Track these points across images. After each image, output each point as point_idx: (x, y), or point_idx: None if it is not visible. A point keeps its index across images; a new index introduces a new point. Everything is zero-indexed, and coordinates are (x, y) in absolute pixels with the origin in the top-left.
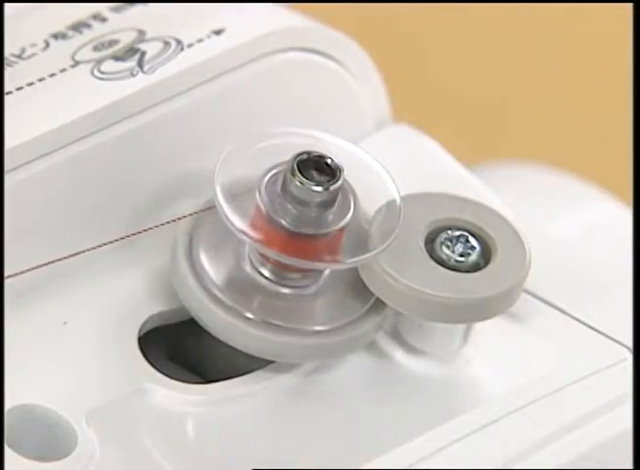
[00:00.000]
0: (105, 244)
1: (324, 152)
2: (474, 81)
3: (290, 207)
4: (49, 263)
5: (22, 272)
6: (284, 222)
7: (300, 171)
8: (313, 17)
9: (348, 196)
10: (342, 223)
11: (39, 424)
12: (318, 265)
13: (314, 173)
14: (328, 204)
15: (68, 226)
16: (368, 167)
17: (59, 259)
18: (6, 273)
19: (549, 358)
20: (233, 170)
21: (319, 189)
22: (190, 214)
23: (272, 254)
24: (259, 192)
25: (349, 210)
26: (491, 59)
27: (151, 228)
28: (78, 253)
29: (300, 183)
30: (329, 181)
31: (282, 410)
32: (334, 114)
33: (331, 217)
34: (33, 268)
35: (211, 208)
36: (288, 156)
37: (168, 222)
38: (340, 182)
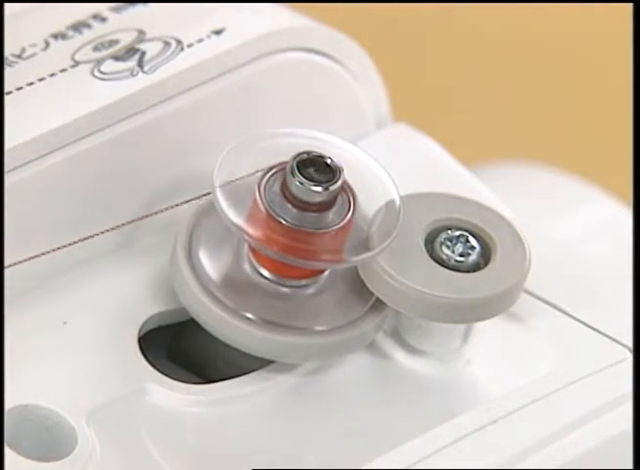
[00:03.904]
0: (107, 230)
1: (324, 152)
2: (473, 81)
3: (289, 206)
4: (47, 252)
5: (20, 262)
6: (284, 222)
7: (300, 171)
8: (313, 17)
9: (348, 196)
10: (341, 223)
11: (39, 424)
12: (318, 265)
13: (314, 173)
14: (328, 204)
15: (67, 226)
16: (368, 167)
17: (57, 249)
18: (6, 273)
19: (549, 358)
20: (232, 170)
21: (319, 189)
22: (188, 200)
23: (272, 253)
24: (259, 192)
25: (349, 209)
26: (491, 59)
27: (148, 215)
28: (78, 240)
29: (300, 183)
30: (329, 181)
31: (282, 410)
32: (334, 114)
33: (330, 217)
34: (32, 258)
35: (208, 194)
36: (288, 156)
37: (167, 208)
38: (339, 182)
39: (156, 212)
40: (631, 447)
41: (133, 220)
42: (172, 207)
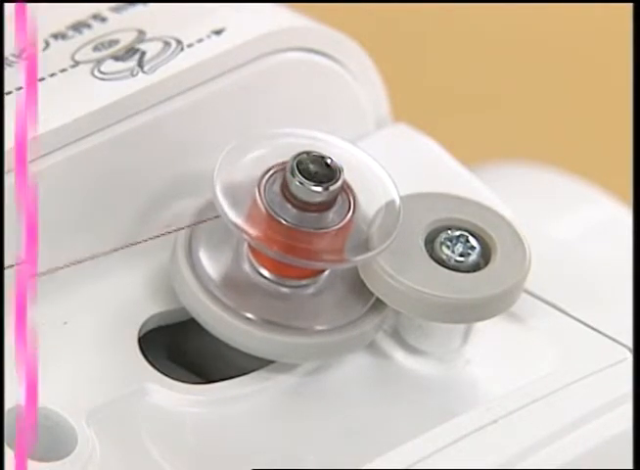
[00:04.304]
0: (107, 252)
1: (324, 152)
2: (474, 81)
3: (289, 206)
4: (51, 271)
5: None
6: (283, 222)
7: (300, 171)
8: (313, 17)
9: (348, 196)
10: (341, 223)
11: (39, 424)
12: (318, 265)
13: (314, 173)
14: (328, 204)
15: (67, 226)
16: (368, 167)
17: (60, 268)
18: (6, 273)
19: (549, 358)
20: (233, 170)
21: (319, 189)
22: (192, 224)
23: (272, 253)
24: (259, 192)
25: (349, 209)
26: (491, 59)
27: (153, 238)
28: (81, 261)
29: (300, 183)
30: (329, 181)
31: (282, 410)
32: (334, 114)
33: (331, 217)
34: (41, 274)
35: (215, 218)
36: (288, 156)
37: (170, 232)
38: (339, 182)
39: (156, 236)
40: (631, 447)
41: (129, 244)
42: (172, 230)
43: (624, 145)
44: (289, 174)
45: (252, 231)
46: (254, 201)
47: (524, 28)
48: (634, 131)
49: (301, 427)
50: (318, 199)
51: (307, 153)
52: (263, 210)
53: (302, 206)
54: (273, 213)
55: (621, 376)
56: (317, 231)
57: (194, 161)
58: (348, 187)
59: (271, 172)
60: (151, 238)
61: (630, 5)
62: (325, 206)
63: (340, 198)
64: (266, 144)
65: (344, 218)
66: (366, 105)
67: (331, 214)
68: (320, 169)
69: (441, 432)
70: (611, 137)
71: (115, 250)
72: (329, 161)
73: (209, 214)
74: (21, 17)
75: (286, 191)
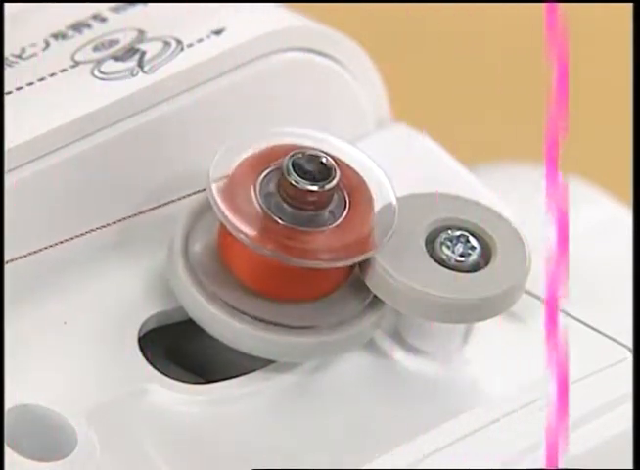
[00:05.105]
0: (103, 226)
1: (320, 151)
2: (473, 82)
3: (285, 205)
4: (47, 248)
5: (19, 257)
6: (280, 221)
7: (295, 170)
8: (313, 17)
9: (344, 195)
10: (337, 222)
11: (39, 424)
12: (314, 264)
13: (309, 172)
14: (323, 203)
15: (67, 226)
16: (364, 167)
17: (56, 244)
18: (6, 273)
19: None
20: (229, 169)
21: (314, 188)
22: (184, 196)
23: (268, 252)
24: (255, 191)
25: (346, 209)
26: (491, 59)
27: (147, 210)
28: (78, 236)
29: (295, 182)
30: (324, 180)
31: (282, 410)
32: (334, 114)
33: (327, 216)
34: (31, 253)
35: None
36: (284, 155)
37: (165, 204)
38: (335, 181)
39: (153, 208)
40: (631, 447)
41: (129, 217)
42: (169, 202)
43: (624, 145)
44: (284, 173)
45: (248, 231)
46: (250, 200)
47: (523, 28)
48: (634, 131)
49: (302, 426)
50: (313, 198)
51: (302, 152)
52: (259, 209)
53: (298, 204)
54: (269, 213)
55: (621, 376)
56: (313, 230)
57: (194, 160)
58: (344, 186)
59: (267, 171)
60: (130, 216)
61: (630, 5)
62: (321, 204)
63: (335, 196)
64: (263, 142)
65: (341, 217)
66: (366, 105)
67: (327, 213)
68: (315, 168)
69: (441, 432)
70: (611, 137)
71: (96, 229)
72: (324, 159)
73: (206, 213)
74: (551, 17)
75: (281, 190)
